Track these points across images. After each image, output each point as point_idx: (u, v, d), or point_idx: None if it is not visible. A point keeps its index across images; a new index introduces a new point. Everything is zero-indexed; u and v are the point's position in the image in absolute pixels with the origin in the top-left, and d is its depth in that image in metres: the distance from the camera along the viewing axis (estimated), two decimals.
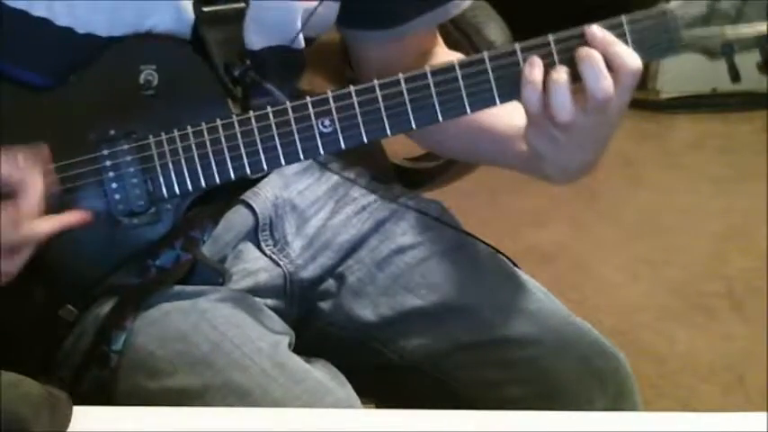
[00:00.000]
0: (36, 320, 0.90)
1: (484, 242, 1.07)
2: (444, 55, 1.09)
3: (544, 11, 3.22)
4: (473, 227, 1.09)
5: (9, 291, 0.85)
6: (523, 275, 1.05)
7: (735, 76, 0.91)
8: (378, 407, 1.08)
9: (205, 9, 0.91)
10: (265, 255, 1.02)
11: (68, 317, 0.90)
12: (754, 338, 2.10)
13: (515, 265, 1.06)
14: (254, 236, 1.02)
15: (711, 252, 2.47)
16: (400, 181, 1.16)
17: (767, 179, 2.47)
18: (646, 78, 3.29)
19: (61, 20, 0.89)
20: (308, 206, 1.06)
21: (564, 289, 1.14)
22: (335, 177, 1.08)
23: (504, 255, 1.06)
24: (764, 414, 0.77)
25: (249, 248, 1.02)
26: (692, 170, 2.80)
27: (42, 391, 0.72)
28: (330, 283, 1.05)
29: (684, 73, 3.12)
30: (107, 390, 0.90)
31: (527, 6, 2.97)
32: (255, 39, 0.96)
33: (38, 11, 0.88)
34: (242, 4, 0.93)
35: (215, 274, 0.95)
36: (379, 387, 1.05)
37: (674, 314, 2.26)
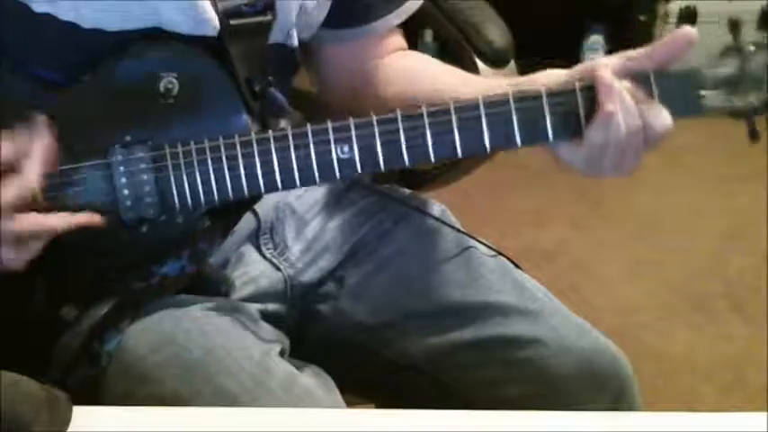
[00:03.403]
0: (37, 318, 0.90)
1: (484, 243, 1.07)
2: (401, 56, 1.09)
3: (544, 11, 3.22)
4: (473, 227, 1.09)
5: (13, 286, 0.85)
6: (524, 275, 1.05)
7: (754, 137, 0.89)
8: (378, 407, 1.08)
9: (233, 22, 0.90)
10: (265, 258, 1.02)
11: (69, 316, 0.90)
12: (754, 338, 2.10)
13: (516, 265, 1.06)
14: (254, 239, 1.02)
15: (711, 252, 2.47)
16: (400, 182, 1.16)
17: (767, 179, 2.47)
18: None
19: (65, 15, 0.88)
20: (306, 210, 1.06)
21: (564, 289, 1.14)
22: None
23: (504, 255, 1.06)
24: (764, 414, 0.77)
25: (250, 251, 1.02)
26: (692, 170, 2.79)
27: (42, 391, 0.72)
28: (330, 286, 1.05)
29: None
30: (94, 390, 0.89)
31: (527, 6, 2.97)
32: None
33: (40, 6, 0.87)
34: (269, 17, 0.92)
35: (219, 287, 0.95)
36: (380, 387, 1.05)
37: (674, 314, 2.25)
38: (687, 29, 0.85)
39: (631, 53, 0.88)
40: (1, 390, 0.68)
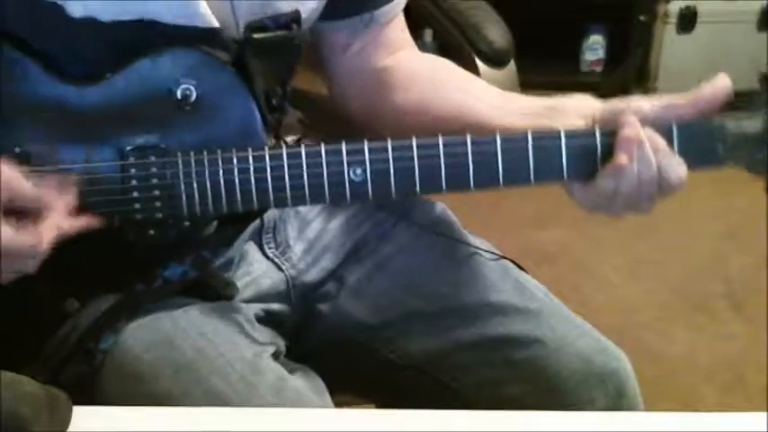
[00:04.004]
0: (39, 309, 0.90)
1: (484, 243, 1.07)
2: (417, 57, 1.09)
3: (544, 11, 3.23)
4: (473, 227, 1.09)
5: (18, 277, 0.85)
6: (524, 275, 1.05)
7: None
8: (378, 407, 1.08)
9: (255, 36, 0.89)
10: (268, 258, 1.02)
11: (71, 309, 0.90)
12: (754, 338, 2.10)
13: (516, 264, 1.06)
14: (257, 238, 1.02)
15: (711, 252, 2.47)
16: None
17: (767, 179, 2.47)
18: (646, 78, 3.29)
19: None
20: (308, 209, 1.06)
21: (564, 289, 1.14)
22: None
23: (503, 256, 1.06)
24: (764, 414, 0.77)
25: (253, 250, 1.02)
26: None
27: (42, 391, 0.72)
28: (330, 285, 1.05)
29: (684, 73, 3.12)
30: (89, 386, 0.89)
31: (527, 6, 2.97)
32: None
33: None
34: (294, 31, 0.91)
35: (221, 292, 0.95)
36: (380, 388, 1.05)
37: (674, 314, 2.26)
38: (723, 79, 0.86)
39: (676, 101, 0.88)
40: (1, 390, 0.68)
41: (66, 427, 0.72)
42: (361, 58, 1.06)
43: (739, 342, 2.15)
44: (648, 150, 0.86)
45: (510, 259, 1.06)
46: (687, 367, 2.08)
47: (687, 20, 3.25)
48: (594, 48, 3.53)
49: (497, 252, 1.07)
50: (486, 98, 1.01)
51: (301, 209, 1.05)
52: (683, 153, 0.87)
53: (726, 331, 2.20)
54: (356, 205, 1.08)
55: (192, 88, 0.87)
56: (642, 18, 3.31)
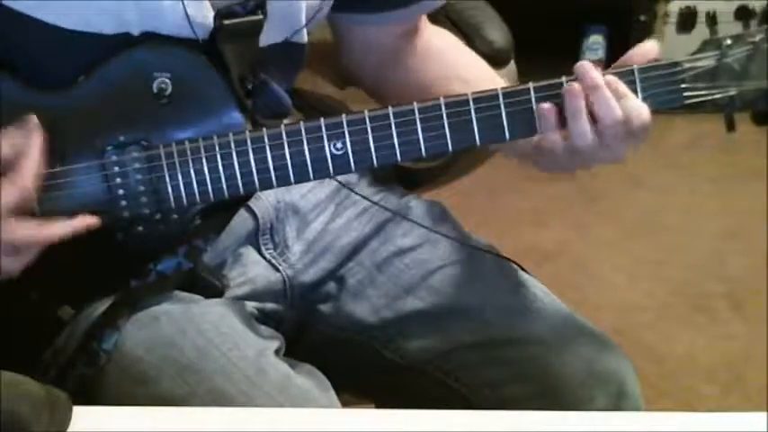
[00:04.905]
0: (35, 319, 0.90)
1: (484, 243, 1.07)
2: (436, 34, 1.11)
3: (544, 11, 3.23)
4: (473, 227, 1.09)
5: (10, 287, 0.85)
6: (524, 275, 1.05)
7: (731, 127, 0.94)
8: (378, 407, 1.08)
9: (226, 22, 0.90)
10: (265, 259, 1.02)
11: (66, 317, 0.90)
12: (754, 338, 2.10)
13: (517, 264, 1.06)
14: (254, 239, 1.02)
15: (711, 252, 2.47)
16: (400, 181, 1.16)
17: (767, 179, 2.47)
18: None
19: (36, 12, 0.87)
20: (309, 210, 1.06)
21: (564, 289, 1.14)
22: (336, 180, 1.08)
23: (504, 256, 1.06)
24: (764, 414, 0.77)
25: (249, 252, 1.02)
26: (691, 170, 2.80)
27: (42, 391, 0.72)
28: (331, 286, 1.05)
29: None
30: (92, 390, 0.89)
31: (527, 6, 2.97)
32: (264, 36, 0.96)
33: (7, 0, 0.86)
34: (260, 17, 0.92)
35: (215, 284, 0.95)
36: (380, 388, 1.05)
37: (674, 314, 2.26)
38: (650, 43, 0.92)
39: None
40: (1, 390, 0.68)
41: (66, 427, 0.72)
42: (379, 36, 1.07)
43: (739, 342, 2.15)
44: (605, 92, 0.88)
45: (510, 259, 1.06)
46: (687, 367, 2.07)
47: (687, 20, 3.25)
48: (594, 48, 3.53)
49: (498, 252, 1.07)
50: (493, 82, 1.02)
51: (303, 207, 1.05)
52: (647, 95, 0.90)
53: (726, 331, 2.20)
54: (357, 206, 1.08)
55: (168, 81, 0.88)
56: (642, 18, 3.30)
